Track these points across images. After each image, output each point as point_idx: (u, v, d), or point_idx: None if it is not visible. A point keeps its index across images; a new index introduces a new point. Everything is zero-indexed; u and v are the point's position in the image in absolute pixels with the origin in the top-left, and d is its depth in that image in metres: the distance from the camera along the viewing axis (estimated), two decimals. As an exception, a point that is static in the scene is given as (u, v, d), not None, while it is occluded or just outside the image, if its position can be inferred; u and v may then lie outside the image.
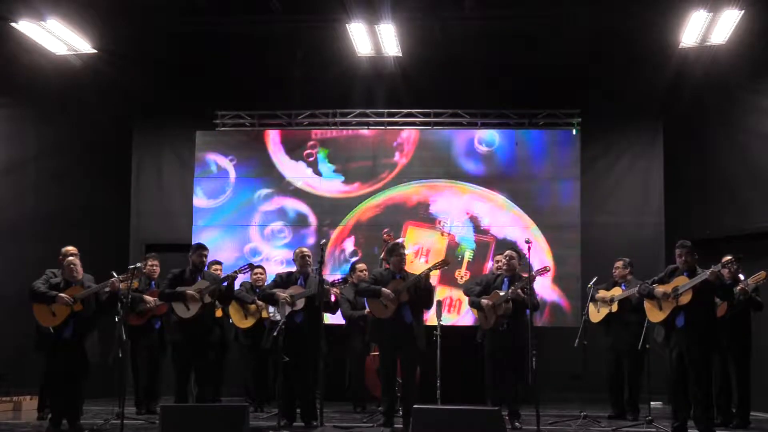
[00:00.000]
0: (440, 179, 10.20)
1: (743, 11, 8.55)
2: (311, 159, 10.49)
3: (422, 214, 10.16)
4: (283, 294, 7.41)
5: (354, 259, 9.86)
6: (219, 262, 9.05)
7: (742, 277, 7.65)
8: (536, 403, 6.83)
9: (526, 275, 7.19)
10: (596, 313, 8.46)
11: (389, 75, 10.33)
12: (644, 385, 7.71)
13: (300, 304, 7.42)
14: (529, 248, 7.12)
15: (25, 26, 9.12)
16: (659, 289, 6.72)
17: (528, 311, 7.11)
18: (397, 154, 10.43)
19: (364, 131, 10.56)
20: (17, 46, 9.60)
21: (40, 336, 7.45)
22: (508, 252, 7.70)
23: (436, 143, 10.42)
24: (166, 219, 11.23)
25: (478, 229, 10.03)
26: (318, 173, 10.55)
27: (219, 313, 8.28)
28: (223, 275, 7.96)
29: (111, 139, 11.30)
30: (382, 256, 8.70)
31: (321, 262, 7.27)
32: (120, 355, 6.74)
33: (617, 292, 8.42)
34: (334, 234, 10.29)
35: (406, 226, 10.14)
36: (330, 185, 10.46)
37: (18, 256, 9.98)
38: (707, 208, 10.37)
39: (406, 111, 10.56)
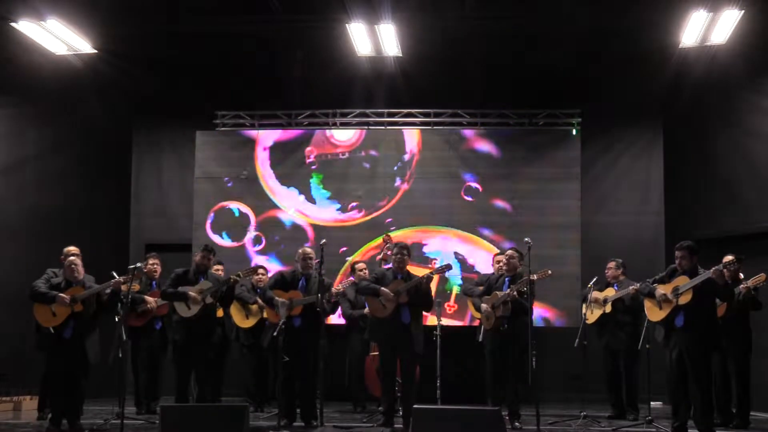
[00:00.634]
0: (433, 225, 10.07)
1: (743, 11, 8.55)
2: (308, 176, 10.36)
3: (416, 255, 9.86)
4: (280, 300, 7.42)
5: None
6: (221, 263, 9.07)
7: (742, 276, 7.65)
8: (536, 403, 6.84)
9: (527, 276, 7.19)
10: (590, 314, 8.47)
11: (389, 75, 10.33)
12: (644, 385, 7.72)
13: (298, 309, 7.42)
14: (528, 249, 7.11)
15: (25, 26, 9.12)
16: (660, 291, 6.72)
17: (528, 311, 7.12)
18: (398, 179, 10.35)
19: (361, 154, 10.40)
20: (17, 46, 9.60)
21: (41, 336, 7.44)
22: (508, 252, 7.70)
23: (436, 143, 10.41)
24: (166, 219, 11.24)
25: (464, 267, 10.02)
26: (311, 200, 10.43)
27: (220, 312, 8.30)
28: (224, 276, 7.97)
29: (111, 139, 11.30)
30: (381, 256, 8.73)
31: (321, 262, 7.28)
32: (120, 355, 6.74)
33: (610, 292, 8.43)
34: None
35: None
36: (325, 213, 10.34)
37: (18, 256, 9.99)
38: (707, 208, 10.37)
39: (406, 111, 10.55)
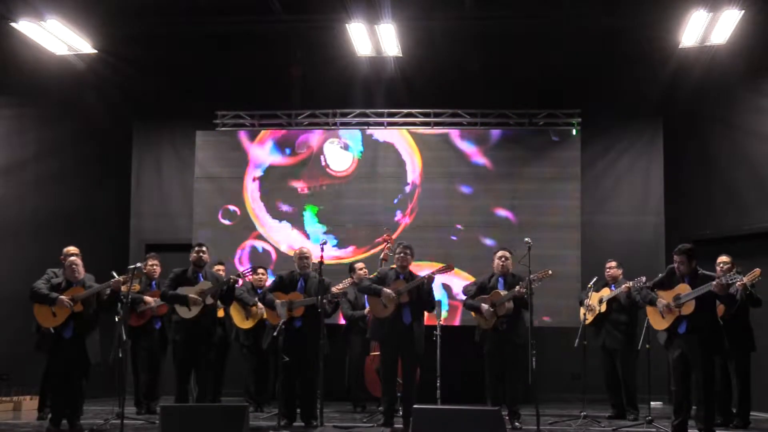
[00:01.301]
0: (427, 260, 9.55)
1: (743, 11, 8.55)
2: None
3: None
4: (280, 302, 7.43)
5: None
6: (221, 263, 9.07)
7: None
8: (536, 403, 6.85)
9: (525, 276, 7.18)
10: (588, 316, 8.44)
11: (389, 75, 10.33)
12: (643, 385, 7.71)
13: (300, 311, 7.42)
14: (528, 249, 7.10)
15: (25, 26, 9.12)
16: (662, 301, 6.67)
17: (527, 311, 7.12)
18: (398, 212, 10.25)
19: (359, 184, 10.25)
20: (17, 46, 9.61)
21: (41, 336, 7.46)
22: (501, 253, 7.69)
23: (437, 143, 10.41)
24: (166, 219, 11.24)
25: (450, 296, 9.96)
26: (305, 234, 10.26)
27: (221, 313, 8.30)
28: (225, 276, 7.98)
29: (111, 139, 11.30)
30: (382, 255, 8.74)
31: (321, 262, 7.27)
32: (120, 355, 6.74)
33: (606, 292, 8.42)
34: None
35: None
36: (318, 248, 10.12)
37: (18, 256, 10.00)
38: (707, 208, 10.37)
39: (406, 111, 10.55)
